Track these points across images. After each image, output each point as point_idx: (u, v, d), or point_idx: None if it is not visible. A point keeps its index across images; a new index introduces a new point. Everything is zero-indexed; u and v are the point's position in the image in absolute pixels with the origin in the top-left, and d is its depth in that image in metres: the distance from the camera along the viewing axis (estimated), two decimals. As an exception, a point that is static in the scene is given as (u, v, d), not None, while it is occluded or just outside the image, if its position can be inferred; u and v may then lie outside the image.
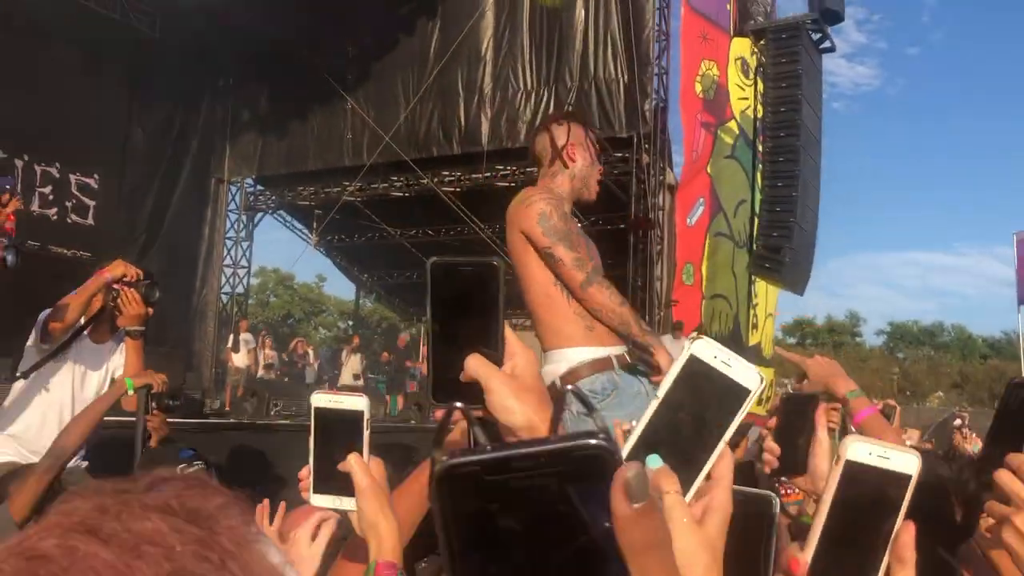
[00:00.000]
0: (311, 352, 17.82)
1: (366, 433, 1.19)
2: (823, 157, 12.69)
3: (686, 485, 0.78)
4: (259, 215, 17.61)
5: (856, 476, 0.80)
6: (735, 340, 14.81)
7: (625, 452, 0.79)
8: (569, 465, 0.50)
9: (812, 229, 12.33)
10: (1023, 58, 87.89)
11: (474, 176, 14.32)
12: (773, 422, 1.68)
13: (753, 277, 13.42)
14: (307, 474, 1.24)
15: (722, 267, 14.74)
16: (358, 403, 1.21)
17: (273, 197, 17.20)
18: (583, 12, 13.24)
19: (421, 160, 14.39)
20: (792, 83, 11.60)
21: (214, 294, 16.66)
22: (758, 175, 12.67)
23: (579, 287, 2.97)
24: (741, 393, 0.80)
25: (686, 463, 0.79)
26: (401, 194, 15.26)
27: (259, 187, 17.41)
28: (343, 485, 1.18)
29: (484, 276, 0.93)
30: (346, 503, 1.20)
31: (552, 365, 3.02)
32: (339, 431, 1.20)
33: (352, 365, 16.51)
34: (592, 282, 2.96)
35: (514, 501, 0.50)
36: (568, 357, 3.00)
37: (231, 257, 17.15)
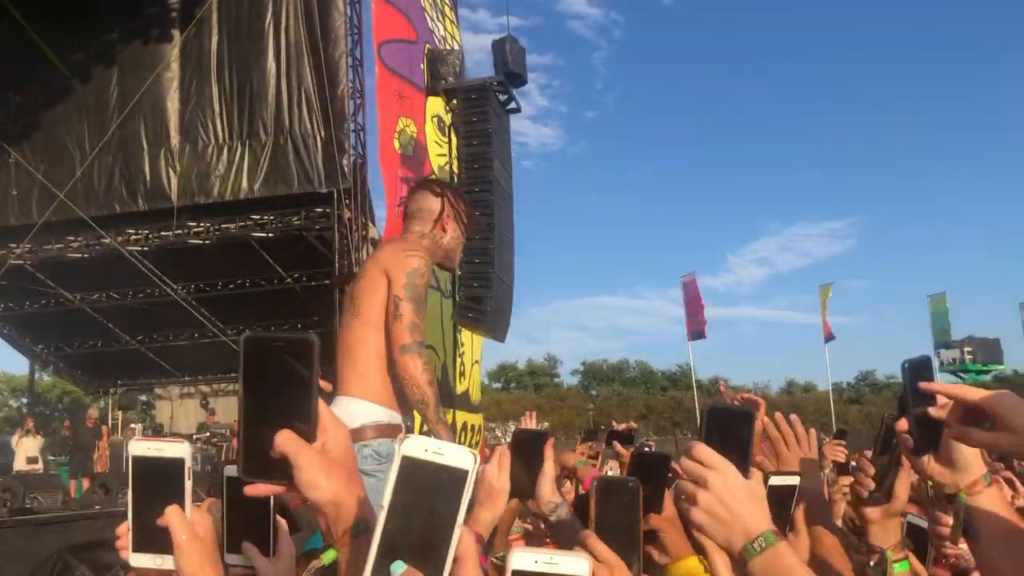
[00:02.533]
0: (-27, 438, 15.57)
1: (188, 483, 1.12)
2: (515, 211, 13.40)
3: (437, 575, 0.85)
4: (-98, 284, 15.25)
5: None
6: (444, 389, 15.09)
7: (368, 566, 0.83)
8: None
9: (509, 279, 12.90)
10: (680, 119, 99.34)
11: (163, 233, 13.42)
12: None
13: (458, 326, 13.77)
14: (126, 530, 1.14)
15: (431, 318, 14.98)
16: (180, 450, 1.12)
17: (-80, 263, 14.98)
18: (275, 65, 13.02)
19: (102, 218, 13.25)
20: (483, 141, 12.14)
21: None
22: (457, 228, 13.08)
23: (400, 348, 2.88)
24: (460, 476, 0.85)
25: (430, 556, 0.84)
26: (80, 255, 13.93)
27: (-98, 252, 15.11)
28: (165, 541, 1.10)
29: (299, 352, 0.93)
30: (168, 561, 1.11)
31: (343, 411, 2.87)
32: (159, 482, 1.12)
33: (27, 448, 14.67)
34: (413, 351, 2.88)
35: None
36: (365, 411, 2.92)
37: None
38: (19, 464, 14.21)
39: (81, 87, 13.61)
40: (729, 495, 1.15)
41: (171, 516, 1.09)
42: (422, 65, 14.34)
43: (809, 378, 57.00)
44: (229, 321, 16.39)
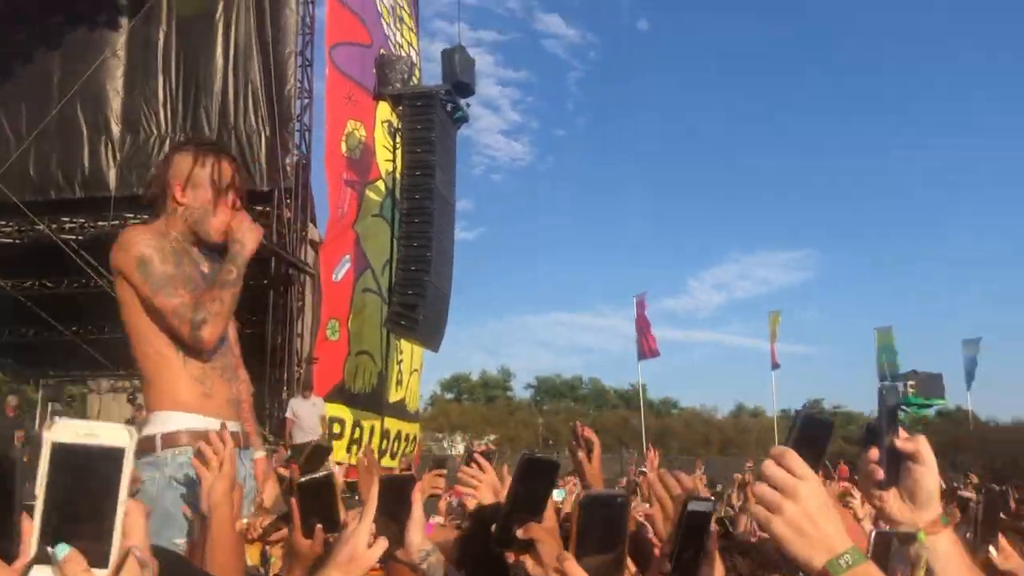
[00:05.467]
0: None
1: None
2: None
3: (104, 553, 0.82)
4: None
5: None
6: (378, 396, 14.95)
7: (31, 551, 0.81)
8: None
9: (446, 289, 12.83)
10: (652, 142, 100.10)
11: (100, 223, 13.18)
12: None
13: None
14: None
15: (369, 323, 14.86)
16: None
17: None
18: (222, 60, 12.90)
19: (36, 203, 12.96)
20: (426, 149, 12.08)
21: None
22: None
23: (190, 336, 2.54)
24: (117, 454, 0.83)
25: (96, 535, 0.82)
26: (12, 240, 13.63)
27: None
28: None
29: None
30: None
31: (156, 427, 2.60)
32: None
33: (-58, 436, 14.24)
34: (204, 322, 2.53)
35: None
36: (176, 421, 2.61)
37: None
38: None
39: (22, 68, 13.36)
40: (817, 509, 1.11)
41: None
42: (374, 69, 14.30)
43: (758, 403, 57.60)
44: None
